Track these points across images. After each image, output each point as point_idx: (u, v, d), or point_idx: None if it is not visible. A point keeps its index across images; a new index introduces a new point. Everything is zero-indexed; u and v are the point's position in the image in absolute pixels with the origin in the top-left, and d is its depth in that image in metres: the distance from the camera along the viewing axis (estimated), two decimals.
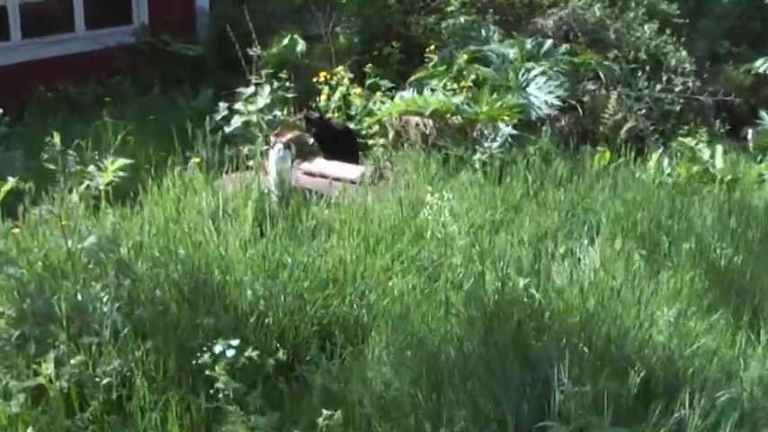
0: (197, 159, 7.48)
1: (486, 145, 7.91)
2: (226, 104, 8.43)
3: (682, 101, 9.90)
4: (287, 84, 8.65)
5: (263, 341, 5.04)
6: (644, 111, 9.60)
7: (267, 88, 8.34)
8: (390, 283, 5.50)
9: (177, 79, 10.37)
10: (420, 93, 8.49)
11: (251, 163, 8.08)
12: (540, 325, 5.13)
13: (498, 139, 7.94)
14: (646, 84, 9.87)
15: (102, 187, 7.03)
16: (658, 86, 9.88)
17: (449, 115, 8.21)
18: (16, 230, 6.26)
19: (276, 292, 5.27)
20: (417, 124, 8.48)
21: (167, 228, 6.07)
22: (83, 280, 5.22)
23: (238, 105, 8.40)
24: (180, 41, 10.65)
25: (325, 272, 5.56)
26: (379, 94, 8.86)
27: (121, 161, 7.32)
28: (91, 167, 7.26)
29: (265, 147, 7.90)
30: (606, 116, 9.19)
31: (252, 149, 8.11)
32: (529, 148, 8.06)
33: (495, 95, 8.35)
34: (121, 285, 5.10)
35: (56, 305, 4.93)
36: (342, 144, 8.24)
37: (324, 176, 7.71)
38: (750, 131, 10.55)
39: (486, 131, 8.21)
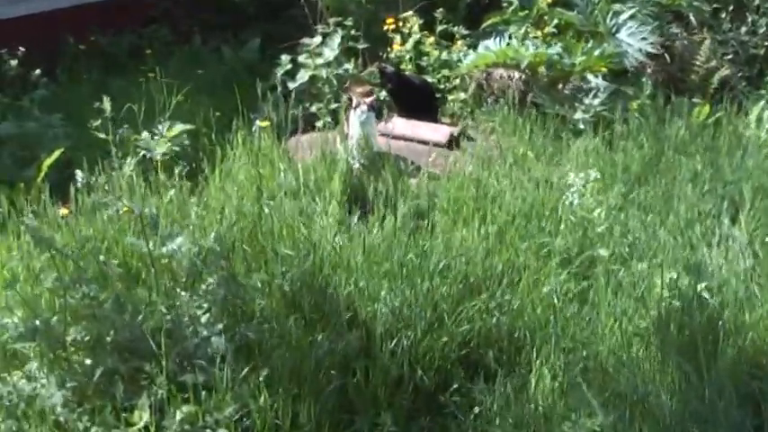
0: (265, 123, 6.19)
1: (586, 102, 6.63)
2: (288, 57, 7.10)
3: (766, 44, 8.58)
4: (352, 33, 7.30)
5: (402, 368, 3.85)
6: (731, 56, 8.29)
7: (337, 38, 7.04)
8: (545, 289, 4.27)
9: (218, 27, 8.96)
10: (501, 40, 7.17)
11: (320, 124, 6.81)
12: (727, 344, 3.94)
13: (600, 94, 6.66)
14: (729, 26, 8.56)
15: (159, 158, 5.76)
16: (743, 28, 8.56)
17: (541, 67, 6.91)
18: (65, 211, 5.13)
19: (410, 304, 4.05)
20: (501, 77, 7.18)
21: (258, 215, 4.80)
22: (169, 291, 4.01)
23: (302, 58, 7.09)
24: None
25: (461, 273, 4.33)
26: (459, 43, 7.51)
27: (180, 127, 6.01)
28: (145, 135, 5.95)
29: (341, 106, 6.67)
30: (698, 63, 7.89)
31: (322, 108, 6.82)
32: (632, 104, 6.79)
33: (590, 43, 7.04)
34: (226, 304, 3.87)
35: (144, 331, 3.70)
36: (420, 100, 6.94)
37: (408, 139, 6.41)
38: None
39: (579, 85, 6.92)
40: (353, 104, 6.12)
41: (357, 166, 5.98)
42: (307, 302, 3.97)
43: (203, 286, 4.01)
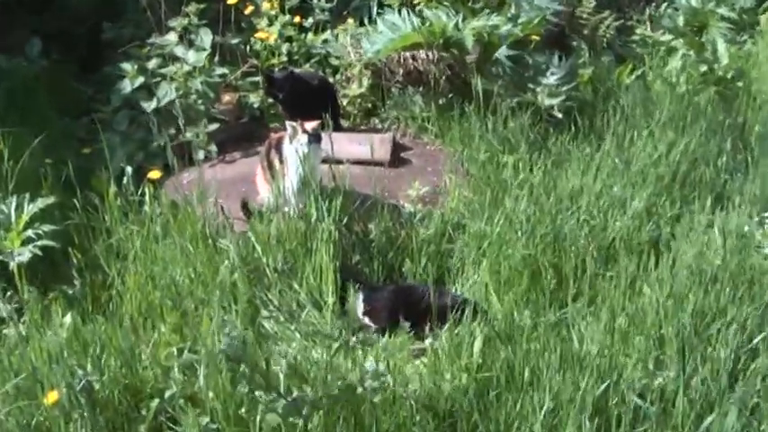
0: (155, 174, 3.87)
1: (545, 82, 4.81)
2: (134, 65, 4.67)
3: None
4: (197, 20, 4.93)
5: None
6: (593, 3, 6.75)
7: (207, 35, 4.69)
8: None
9: None
10: (409, 14, 5.09)
11: (200, 155, 4.50)
12: None
13: (556, 70, 4.86)
14: None
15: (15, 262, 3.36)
16: None
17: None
18: None
19: None
20: (405, 59, 5.16)
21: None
22: None
23: (152, 65, 4.69)
24: None
25: None
26: (350, 21, 5.35)
27: (39, 203, 3.57)
28: None
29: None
30: (584, 17, 6.30)
31: (199, 133, 4.52)
32: (582, 76, 5.08)
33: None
34: None
35: None
36: (320, 106, 4.72)
37: (337, 161, 4.21)
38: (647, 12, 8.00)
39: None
40: (288, 133, 3.92)
41: (293, 213, 3.83)
42: None
43: None
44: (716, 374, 2.59)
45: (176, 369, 2.79)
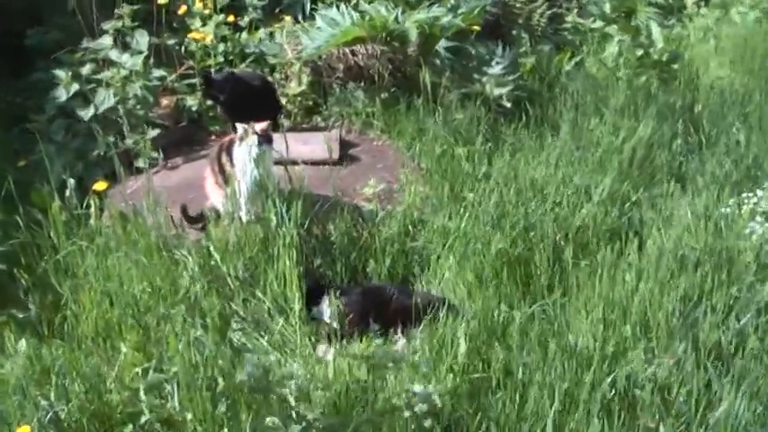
0: (101, 185, 3.67)
1: (489, 71, 4.73)
2: (67, 72, 4.44)
3: None
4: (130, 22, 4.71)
5: None
6: None
7: (143, 37, 4.47)
8: None
9: None
10: (347, 9, 4.95)
11: (141, 162, 4.30)
12: None
13: (500, 60, 4.78)
14: None
15: None
16: None
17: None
18: None
19: None
20: (345, 55, 5.03)
21: None
22: None
23: (86, 70, 4.46)
24: None
25: None
26: (288, 19, 5.18)
27: None
28: None
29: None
30: (518, 6, 6.24)
31: (139, 140, 4.31)
32: (525, 65, 5.01)
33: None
34: None
35: None
36: (261, 105, 4.56)
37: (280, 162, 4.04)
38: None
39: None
40: (237, 136, 3.75)
41: (246, 219, 3.68)
42: None
43: None
44: (708, 358, 2.54)
45: (142, 391, 2.61)
